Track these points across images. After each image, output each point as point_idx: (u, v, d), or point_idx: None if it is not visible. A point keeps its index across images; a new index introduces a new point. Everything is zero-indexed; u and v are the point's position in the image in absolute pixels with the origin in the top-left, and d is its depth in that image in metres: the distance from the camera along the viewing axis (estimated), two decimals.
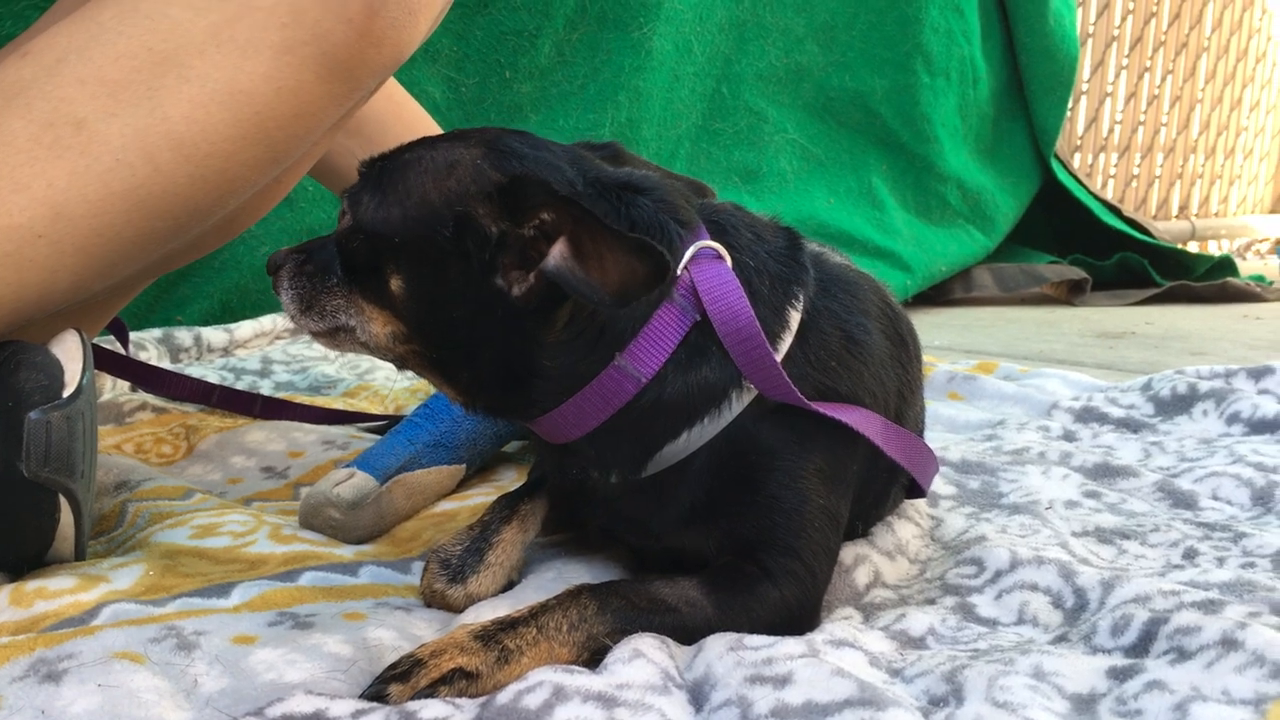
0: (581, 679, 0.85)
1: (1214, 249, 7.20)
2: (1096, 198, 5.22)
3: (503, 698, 0.83)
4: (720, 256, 1.01)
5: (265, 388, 2.16)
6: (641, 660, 0.88)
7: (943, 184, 4.49)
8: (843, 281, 1.13)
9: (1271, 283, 5.35)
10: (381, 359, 1.08)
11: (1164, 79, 6.95)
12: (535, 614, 0.96)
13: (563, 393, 1.01)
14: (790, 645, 0.88)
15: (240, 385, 2.15)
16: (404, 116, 1.87)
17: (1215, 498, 1.43)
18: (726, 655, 0.89)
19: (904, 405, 1.17)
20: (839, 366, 1.07)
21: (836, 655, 0.90)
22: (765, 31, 4.04)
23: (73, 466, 1.11)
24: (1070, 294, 4.72)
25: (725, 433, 1.02)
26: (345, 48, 1.21)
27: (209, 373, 2.20)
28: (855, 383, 1.08)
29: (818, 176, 4.19)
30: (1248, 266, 6.22)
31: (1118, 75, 6.66)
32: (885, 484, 1.21)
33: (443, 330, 1.01)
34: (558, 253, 0.94)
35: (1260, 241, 8.08)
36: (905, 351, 1.18)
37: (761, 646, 0.89)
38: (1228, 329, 3.92)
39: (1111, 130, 6.70)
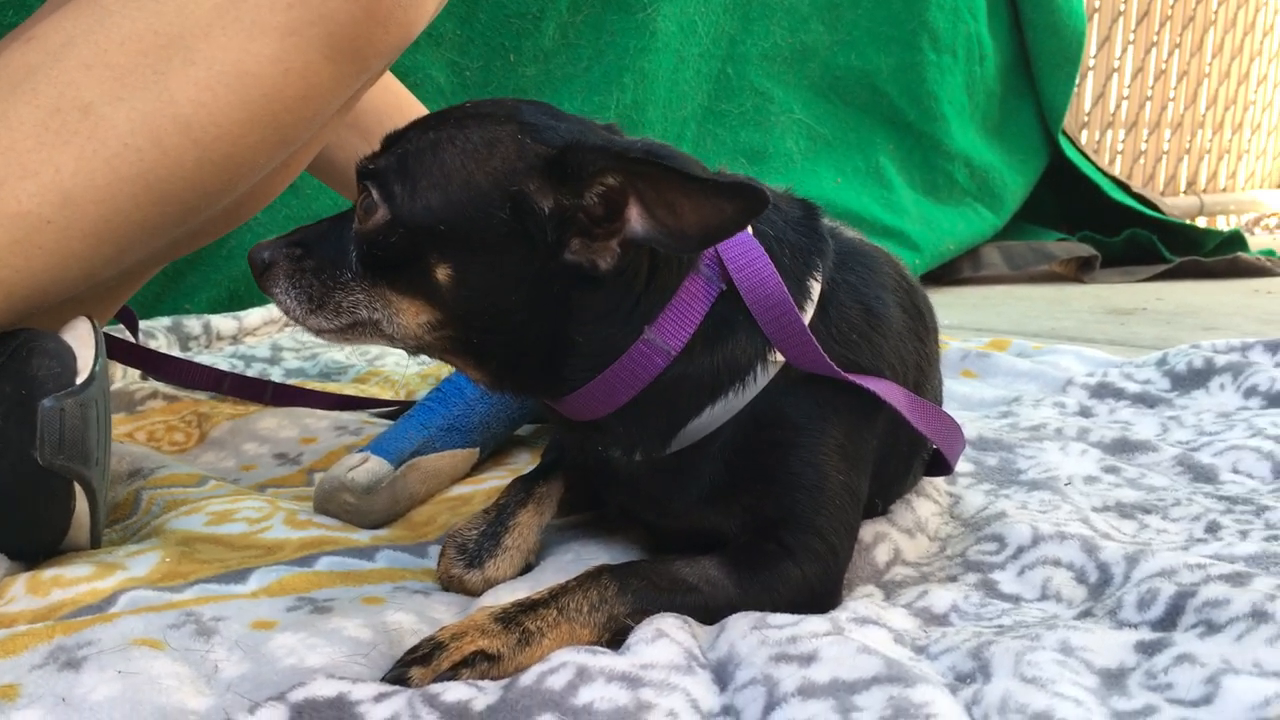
0: (604, 659, 0.84)
1: (1222, 224, 7.16)
2: (1105, 174, 5.19)
3: (526, 679, 0.82)
4: None
5: (276, 375, 2.15)
6: (665, 640, 0.87)
7: (950, 162, 4.46)
8: (859, 254, 1.12)
9: None
10: (399, 347, 1.05)
11: (1171, 53, 6.91)
12: (555, 595, 0.95)
13: (593, 368, 1.00)
14: (814, 623, 0.88)
15: (251, 373, 2.14)
16: (402, 107, 1.86)
17: (1235, 471, 1.42)
18: (750, 634, 0.88)
19: (922, 379, 1.16)
20: (860, 339, 1.06)
21: (861, 633, 0.89)
22: (770, 10, 4.02)
23: (87, 454, 1.10)
24: (1079, 271, 4.70)
25: (749, 407, 1.01)
26: (352, 28, 1.20)
27: (219, 361, 2.19)
28: (876, 356, 1.07)
29: (825, 156, 4.17)
30: (1256, 241, 6.18)
31: (1124, 50, 6.62)
32: (904, 461, 1.20)
33: (489, 314, 0.98)
34: (635, 214, 0.92)
35: (1269, 216, 8.03)
36: (922, 324, 1.17)
37: (785, 625, 0.88)
38: (1239, 304, 3.90)
39: (1119, 106, 6.67)
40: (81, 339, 1.15)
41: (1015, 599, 1.06)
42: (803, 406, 1.02)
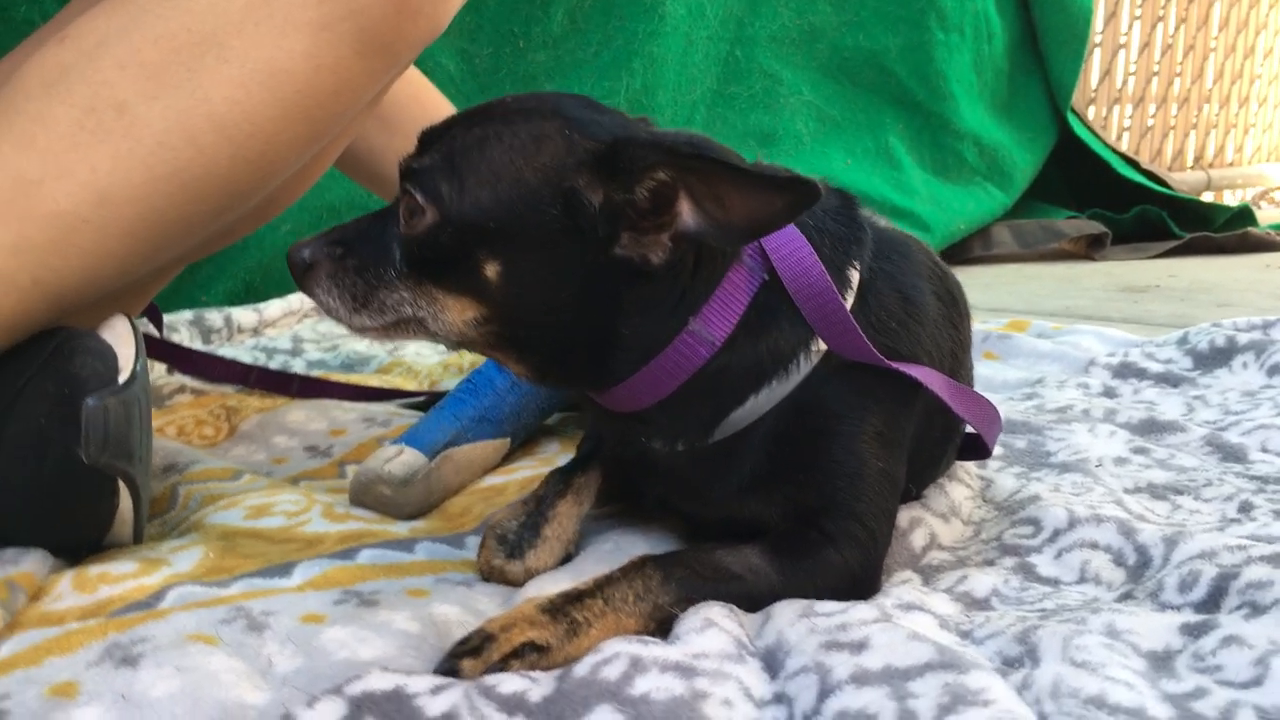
0: (657, 649, 0.85)
1: (1229, 199, 7.15)
2: (1113, 150, 5.19)
3: (580, 670, 0.83)
4: None
5: (298, 366, 2.16)
6: (714, 629, 0.88)
7: (959, 141, 4.46)
8: (894, 243, 1.12)
9: None
10: (440, 343, 1.05)
11: (1177, 28, 6.87)
12: (601, 586, 0.96)
13: (639, 360, 1.00)
14: (862, 611, 0.89)
15: (273, 365, 2.15)
16: (420, 97, 1.86)
17: (1265, 450, 1.43)
18: (798, 622, 0.89)
19: (957, 365, 1.17)
20: (898, 327, 1.06)
21: (908, 619, 0.90)
22: None
23: (130, 451, 1.11)
24: (1090, 249, 4.69)
25: (791, 395, 1.02)
26: (383, 22, 1.20)
27: (241, 353, 2.20)
28: (914, 343, 1.07)
29: (834, 138, 4.16)
30: (1264, 215, 6.17)
31: (1131, 26, 6.59)
32: (938, 445, 1.21)
33: (537, 309, 0.99)
34: (685, 209, 0.93)
35: (1275, 189, 8.01)
36: (956, 311, 1.18)
37: (833, 613, 0.89)
38: (1252, 280, 3.90)
39: (1125, 82, 6.64)
40: (121, 337, 1.16)
41: (1054, 582, 1.07)
42: (843, 394, 1.03)
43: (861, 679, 0.79)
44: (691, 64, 3.77)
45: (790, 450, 1.03)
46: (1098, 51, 6.40)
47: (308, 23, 1.18)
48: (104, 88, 1.14)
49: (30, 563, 1.09)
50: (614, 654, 0.84)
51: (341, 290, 1.03)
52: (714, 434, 1.04)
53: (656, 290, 0.98)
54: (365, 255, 1.03)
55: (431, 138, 1.03)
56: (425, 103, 1.85)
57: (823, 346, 1.02)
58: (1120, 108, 6.66)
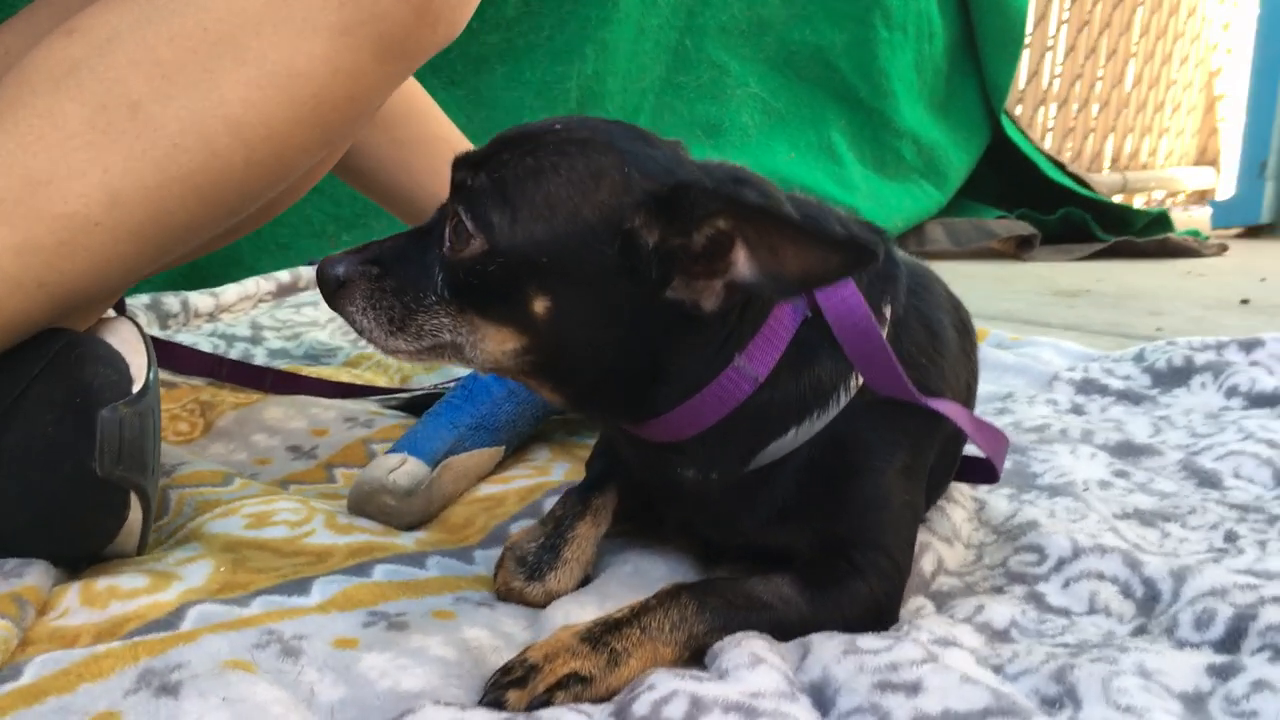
0: (713, 687, 0.85)
1: (1140, 201, 7.37)
2: (1041, 153, 5.31)
3: (640, 709, 0.84)
4: None
5: (259, 355, 2.12)
6: (764, 666, 0.89)
7: (899, 139, 4.53)
8: (919, 275, 1.14)
9: (1206, 237, 5.51)
10: (472, 368, 1.03)
11: (1101, 32, 7.05)
12: (637, 614, 0.96)
13: (681, 395, 1.00)
14: (908, 649, 0.90)
15: (233, 353, 2.11)
16: (407, 94, 1.83)
17: (1238, 476, 1.48)
18: (844, 659, 0.90)
19: (970, 395, 1.19)
20: (927, 362, 1.08)
21: (949, 656, 0.92)
22: None
23: (145, 464, 1.08)
24: (1018, 249, 4.81)
25: (827, 428, 1.03)
26: (402, 27, 1.18)
27: (199, 340, 2.15)
28: (939, 377, 1.10)
29: (779, 131, 4.20)
30: (1174, 218, 6.38)
31: (1058, 29, 6.73)
32: (945, 471, 1.23)
33: (583, 345, 0.98)
34: (741, 258, 0.92)
35: (1184, 193, 8.27)
36: (969, 341, 1.21)
37: (879, 650, 0.91)
38: (1177, 287, 4.03)
39: (1051, 83, 6.79)
40: (129, 344, 1.13)
41: (1066, 612, 1.10)
42: (877, 428, 1.05)
43: None
44: (642, 52, 3.77)
45: (822, 481, 1.05)
46: (1027, 52, 6.53)
47: (328, 26, 1.15)
48: (116, 85, 1.11)
49: (34, 576, 1.06)
50: (671, 692, 0.85)
51: (378, 312, 1.00)
52: (750, 464, 1.05)
53: (707, 331, 0.98)
54: (403, 277, 1.00)
55: (471, 161, 1.00)
56: (416, 103, 1.83)
57: (860, 380, 1.03)
58: (1045, 108, 6.82)
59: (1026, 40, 6.43)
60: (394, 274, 1.00)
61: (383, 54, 1.19)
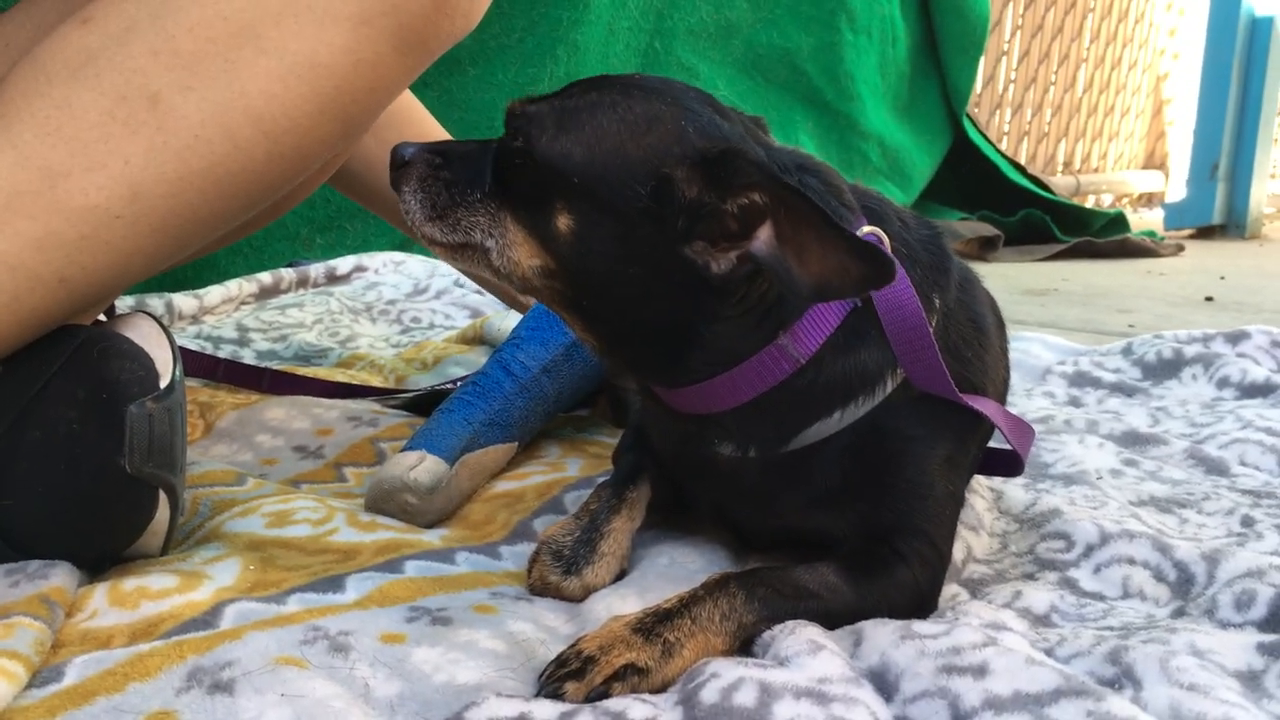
0: (779, 674, 0.85)
1: (1091, 203, 7.49)
2: (1002, 155, 5.38)
3: (709, 696, 0.83)
4: (882, 242, 1.01)
5: (248, 357, 2.09)
6: (825, 652, 0.88)
7: (865, 141, 4.56)
8: (965, 271, 1.15)
9: (1162, 238, 5.61)
10: (503, 282, 1.04)
11: (1054, 38, 7.15)
12: (687, 605, 0.96)
13: (718, 365, 1.00)
14: (967, 633, 0.90)
15: (222, 355, 2.07)
16: (401, 104, 1.82)
17: (1244, 464, 1.50)
18: (902, 645, 0.90)
19: (1006, 390, 1.20)
20: (973, 357, 1.09)
21: (1006, 640, 0.92)
22: None
23: (174, 460, 1.06)
24: (981, 250, 4.86)
25: (870, 415, 1.03)
26: (421, 18, 1.17)
27: (186, 342, 2.11)
28: (982, 373, 1.10)
29: None
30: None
31: (1013, 34, 6.83)
32: (975, 461, 1.24)
33: (602, 281, 0.99)
34: (765, 236, 0.92)
35: (1135, 195, 8.42)
36: (1004, 339, 1.22)
37: (937, 635, 0.90)
38: (1140, 285, 4.09)
39: (1006, 88, 6.88)
40: (152, 339, 1.10)
41: (1100, 597, 1.10)
42: (921, 418, 1.05)
43: (997, 705, 0.80)
44: (613, 54, 3.76)
45: (866, 467, 1.05)
46: (982, 58, 6.62)
47: (347, 17, 1.14)
48: (136, 75, 1.08)
49: (60, 576, 1.03)
50: (738, 679, 0.84)
51: (426, 195, 1.04)
52: (790, 444, 1.04)
53: (736, 301, 0.98)
54: (459, 172, 1.04)
55: (548, 94, 1.03)
56: (404, 106, 1.81)
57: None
58: (1001, 113, 6.90)
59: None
60: (452, 168, 1.04)
61: (402, 45, 1.17)
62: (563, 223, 0.97)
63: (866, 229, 1.01)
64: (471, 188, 1.02)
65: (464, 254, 1.04)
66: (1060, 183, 6.90)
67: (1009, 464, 1.23)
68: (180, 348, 1.75)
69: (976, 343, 1.10)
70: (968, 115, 5.16)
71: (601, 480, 1.22)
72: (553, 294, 1.02)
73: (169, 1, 1.11)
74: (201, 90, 1.09)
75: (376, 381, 1.92)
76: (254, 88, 1.11)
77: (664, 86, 1.01)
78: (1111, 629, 1.00)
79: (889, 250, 1.02)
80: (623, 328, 1.03)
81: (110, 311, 1.78)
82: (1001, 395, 1.17)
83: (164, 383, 1.06)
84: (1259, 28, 6.38)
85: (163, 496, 1.07)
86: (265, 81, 1.11)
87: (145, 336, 1.10)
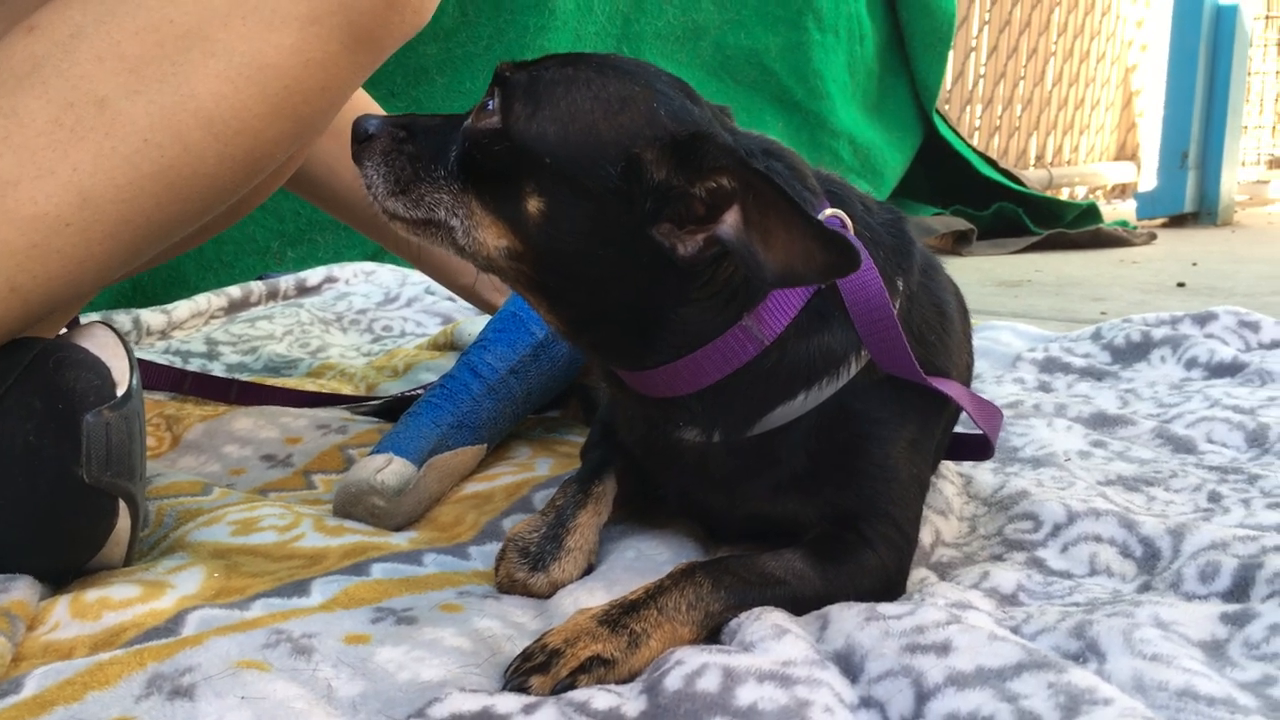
0: (744, 658, 0.85)
1: (1065, 195, 7.52)
2: (973, 150, 5.40)
3: (672, 683, 0.82)
4: (845, 226, 1.01)
5: (217, 370, 2.07)
6: (790, 636, 0.88)
7: (835, 140, 4.57)
8: (927, 256, 1.15)
9: (1135, 227, 5.64)
10: (467, 259, 1.03)
11: (1022, 32, 7.19)
12: (653, 595, 0.95)
13: (683, 347, 1.00)
14: (930, 613, 0.90)
15: (191, 369, 2.06)
16: (362, 108, 1.81)
17: (1210, 441, 1.51)
18: (867, 626, 0.90)
19: (969, 375, 1.20)
20: (936, 341, 1.09)
21: (970, 618, 0.92)
22: None
23: (132, 469, 1.05)
24: (955, 244, 4.88)
25: (835, 398, 1.03)
26: (371, 15, 1.17)
27: (154, 357, 2.09)
28: (946, 357, 1.10)
29: None
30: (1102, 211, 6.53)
31: (981, 30, 6.86)
32: (940, 447, 1.24)
33: (569, 263, 0.98)
34: (732, 220, 0.92)
35: (1106, 187, 8.47)
36: (968, 324, 1.22)
37: (901, 615, 0.90)
38: (1113, 275, 4.11)
39: (976, 84, 6.91)
40: (109, 349, 1.09)
41: (1067, 575, 1.11)
42: (886, 401, 1.05)
43: (960, 681, 0.80)
44: None
45: (832, 451, 1.04)
46: (951, 54, 6.65)
47: (296, 16, 1.13)
48: (82, 81, 1.08)
49: (21, 590, 1.02)
50: (701, 665, 0.84)
51: (388, 169, 1.03)
52: (755, 427, 1.04)
53: (703, 283, 0.98)
54: (424, 146, 1.02)
55: (525, 63, 1.02)
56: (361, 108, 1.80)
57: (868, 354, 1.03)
58: (971, 108, 6.93)
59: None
60: (417, 142, 1.03)
61: (352, 43, 1.17)
62: (533, 205, 0.97)
63: (829, 212, 1.01)
64: (435, 164, 1.01)
65: (427, 230, 1.03)
66: (1033, 176, 6.92)
67: (978, 448, 1.23)
68: (146, 361, 1.75)
69: (940, 327, 1.10)
70: (938, 111, 5.18)
71: (565, 478, 1.22)
72: (518, 275, 1.02)
73: (115, 7, 1.10)
74: (149, 94, 1.08)
75: (347, 390, 1.91)
76: (203, 90, 1.10)
77: (638, 68, 1.00)
78: (1078, 605, 1.00)
79: (852, 232, 1.02)
80: (589, 309, 1.02)
81: (74, 325, 1.78)
82: (965, 380, 1.17)
83: (120, 391, 1.05)
84: (1224, 16, 6.43)
85: (123, 506, 1.06)
86: (214, 83, 1.11)
87: (102, 346, 1.09)
